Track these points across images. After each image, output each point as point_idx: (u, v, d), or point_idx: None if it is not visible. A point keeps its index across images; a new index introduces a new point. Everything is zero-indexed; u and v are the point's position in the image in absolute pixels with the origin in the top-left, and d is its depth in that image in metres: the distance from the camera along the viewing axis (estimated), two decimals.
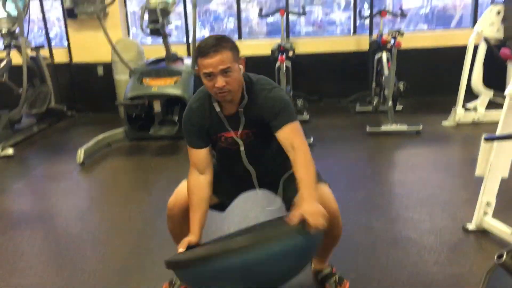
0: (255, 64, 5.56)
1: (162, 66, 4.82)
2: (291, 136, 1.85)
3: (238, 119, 1.90)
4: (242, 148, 1.97)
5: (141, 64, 5.15)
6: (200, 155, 1.97)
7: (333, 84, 5.68)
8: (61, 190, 3.64)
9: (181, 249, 1.83)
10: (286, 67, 4.65)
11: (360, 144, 4.32)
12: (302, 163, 1.82)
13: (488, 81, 4.56)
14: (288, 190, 2.02)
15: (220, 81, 1.74)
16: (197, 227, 1.91)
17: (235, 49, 1.78)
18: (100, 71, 5.72)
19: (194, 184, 1.97)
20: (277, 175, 2.09)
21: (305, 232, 1.61)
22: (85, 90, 5.84)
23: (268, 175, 2.08)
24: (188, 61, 4.93)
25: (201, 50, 1.74)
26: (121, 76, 5.27)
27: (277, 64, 4.71)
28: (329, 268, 2.22)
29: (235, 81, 1.78)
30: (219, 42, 1.74)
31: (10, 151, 4.41)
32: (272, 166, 2.07)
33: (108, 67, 5.51)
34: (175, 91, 4.51)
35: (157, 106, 4.56)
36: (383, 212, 2.99)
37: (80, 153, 4.09)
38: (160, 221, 2.99)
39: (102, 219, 3.14)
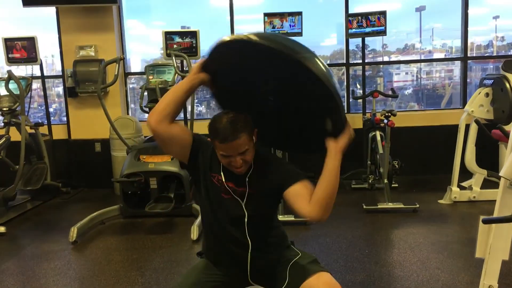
0: None
1: None
2: (302, 192, 1.83)
3: (243, 183, 1.91)
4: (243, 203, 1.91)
5: (138, 140, 5.22)
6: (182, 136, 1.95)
7: None
8: (51, 270, 3.53)
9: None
10: None
11: (357, 222, 4.28)
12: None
13: (481, 160, 4.62)
14: (294, 277, 1.91)
15: (238, 161, 1.82)
16: None
17: (250, 128, 1.82)
18: (98, 147, 5.78)
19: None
20: (271, 259, 2.01)
21: None
22: (82, 166, 5.86)
23: (262, 256, 1.97)
24: None
25: (219, 135, 1.78)
26: (119, 153, 5.31)
27: None
28: None
29: (250, 157, 1.86)
30: (236, 127, 1.77)
31: (1, 229, 4.33)
32: (269, 241, 2.01)
33: (105, 143, 5.57)
34: (172, 168, 4.53)
35: (153, 183, 4.55)
36: None
37: (73, 232, 4.02)
38: None
39: None
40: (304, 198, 1.80)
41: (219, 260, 2.03)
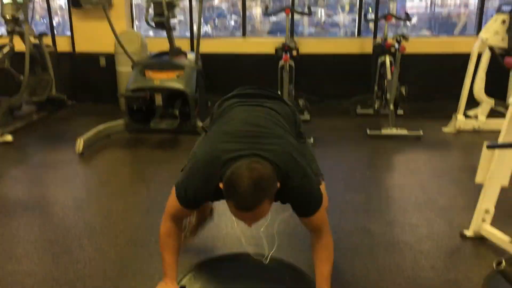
0: (258, 61, 5.59)
1: (165, 60, 4.81)
2: (316, 224, 1.85)
3: None
4: None
5: (144, 56, 5.14)
6: (185, 213, 1.93)
7: (335, 86, 5.68)
8: (59, 178, 3.62)
9: None
10: (290, 66, 4.64)
11: (360, 146, 4.32)
12: (328, 257, 1.88)
13: (489, 89, 4.56)
14: None
15: (251, 223, 1.69)
16: (175, 272, 1.94)
17: (272, 193, 1.62)
18: (103, 62, 5.70)
19: (171, 231, 1.93)
20: None
21: None
22: (86, 80, 5.82)
23: None
24: (191, 56, 4.92)
25: (237, 200, 1.56)
26: (123, 68, 5.25)
27: (281, 63, 4.71)
28: None
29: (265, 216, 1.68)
30: (260, 194, 1.56)
31: (9, 137, 4.39)
32: None
33: (110, 58, 5.50)
34: (178, 85, 4.49)
35: (158, 99, 4.54)
36: (381, 215, 2.99)
37: (80, 143, 4.07)
38: (157, 215, 2.97)
39: (99, 209, 3.13)
40: (315, 231, 1.88)
41: None
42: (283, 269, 2.06)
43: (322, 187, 1.97)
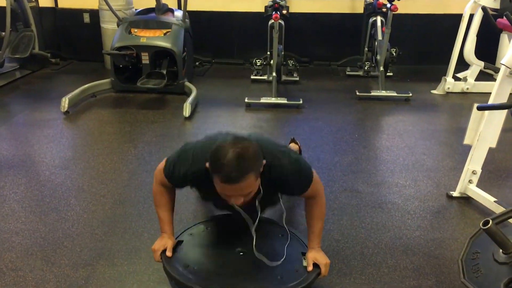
0: (247, 20, 5.47)
1: (152, 17, 4.68)
2: (311, 194, 1.88)
3: (253, 209, 1.83)
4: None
5: (129, 13, 4.99)
6: (168, 185, 1.91)
7: (325, 46, 5.60)
8: (44, 137, 3.56)
9: (169, 253, 1.87)
10: (280, 25, 4.55)
11: (349, 108, 4.30)
12: (319, 214, 1.90)
13: (480, 52, 4.54)
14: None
15: (239, 200, 1.63)
16: (171, 227, 1.95)
17: (258, 167, 1.59)
18: (87, 18, 5.53)
19: (163, 190, 1.93)
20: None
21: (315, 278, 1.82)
22: (70, 38, 5.66)
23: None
24: (178, 13, 4.79)
25: (221, 173, 1.53)
26: (108, 25, 5.10)
27: (271, 22, 4.61)
28: None
29: (252, 195, 1.67)
30: (244, 165, 1.53)
31: None
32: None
33: (94, 15, 5.33)
34: (165, 43, 4.39)
35: (145, 58, 4.44)
36: (369, 176, 3.01)
37: (65, 102, 3.99)
38: (145, 174, 2.98)
39: (86, 168, 3.10)
40: (310, 198, 1.91)
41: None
42: (277, 229, 2.09)
43: (316, 176, 1.91)
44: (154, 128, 3.76)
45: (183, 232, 2.04)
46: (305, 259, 1.88)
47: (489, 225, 1.67)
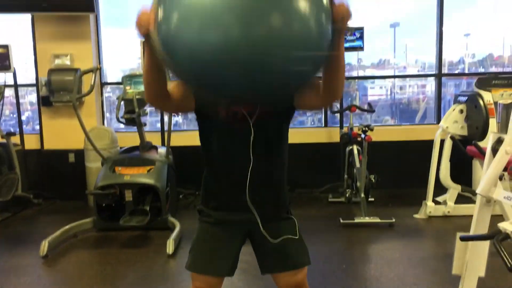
0: None
1: (136, 155, 4.80)
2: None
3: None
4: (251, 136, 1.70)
5: (114, 151, 5.13)
6: (182, 93, 1.68)
7: (306, 175, 5.73)
8: (21, 285, 3.40)
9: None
10: None
11: (334, 236, 4.28)
12: None
13: (455, 175, 4.69)
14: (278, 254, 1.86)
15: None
16: None
17: None
18: (72, 158, 5.64)
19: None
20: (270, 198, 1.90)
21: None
22: (55, 177, 5.70)
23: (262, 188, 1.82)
24: (162, 150, 4.93)
25: None
26: (93, 164, 5.20)
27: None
28: None
29: None
30: None
31: None
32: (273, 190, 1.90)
33: (80, 154, 5.45)
34: (148, 180, 4.45)
35: (128, 195, 4.46)
36: None
37: (44, 245, 3.90)
38: None
39: None
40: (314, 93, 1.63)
41: (219, 201, 1.90)
42: None
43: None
44: (137, 269, 3.64)
45: None
46: None
47: None
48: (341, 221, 4.50)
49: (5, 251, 4.15)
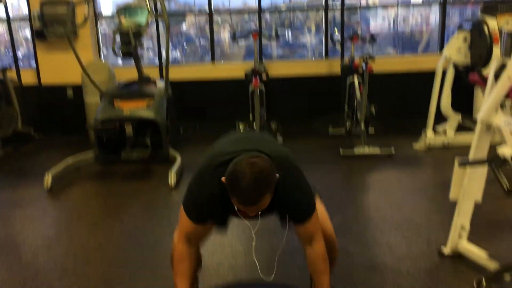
0: (228, 87, 5.59)
1: (134, 89, 4.75)
2: (310, 231, 1.84)
3: (255, 216, 1.81)
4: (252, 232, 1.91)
5: (112, 86, 5.07)
6: (198, 229, 1.86)
7: (306, 107, 5.71)
8: (27, 216, 3.49)
9: None
10: (260, 90, 4.65)
11: (334, 167, 4.33)
12: (320, 261, 1.87)
13: (456, 104, 4.66)
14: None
15: (253, 213, 1.69)
16: None
17: (272, 185, 1.65)
18: (70, 93, 5.60)
19: (185, 254, 1.87)
20: None
21: None
22: (53, 113, 5.69)
23: None
24: (161, 84, 4.88)
25: (240, 197, 1.60)
26: (92, 99, 5.16)
27: (251, 87, 4.71)
28: None
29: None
30: (262, 189, 1.60)
31: None
32: None
33: (78, 89, 5.40)
34: (148, 114, 4.44)
35: (128, 129, 4.47)
36: (359, 237, 2.98)
37: (48, 178, 3.95)
38: (132, 249, 2.91)
39: (70, 247, 3.02)
40: (308, 241, 1.86)
41: None
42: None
43: (318, 201, 1.96)
44: (140, 200, 3.71)
45: None
46: None
47: (483, 284, 1.65)
48: (341, 152, 4.53)
49: (9, 184, 4.21)
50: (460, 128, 4.72)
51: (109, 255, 2.86)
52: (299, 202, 1.81)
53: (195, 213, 1.81)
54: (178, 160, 4.28)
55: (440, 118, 4.73)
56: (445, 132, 4.70)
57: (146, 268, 2.67)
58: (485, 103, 2.46)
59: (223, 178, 1.65)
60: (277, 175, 1.67)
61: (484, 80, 3.20)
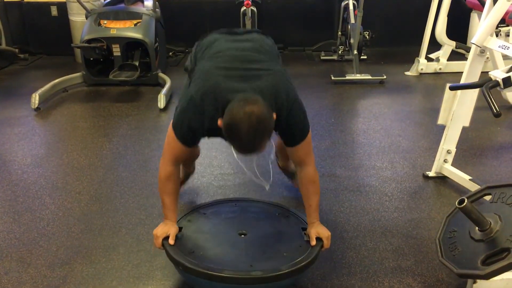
0: (219, 8, 5.40)
1: (121, 8, 4.57)
2: (301, 154, 1.90)
3: None
4: None
5: (98, 4, 4.87)
6: (186, 152, 1.92)
7: (299, 31, 5.58)
8: (15, 135, 3.47)
9: (172, 240, 1.85)
10: (252, 12, 4.51)
11: (324, 92, 4.30)
12: (313, 189, 1.95)
13: (451, 32, 4.58)
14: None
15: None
16: (175, 214, 1.94)
17: (271, 130, 1.67)
18: (54, 11, 5.38)
19: (171, 174, 1.91)
20: None
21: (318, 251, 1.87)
22: (38, 32, 5.49)
23: None
24: (149, 3, 4.69)
25: (239, 147, 1.68)
26: (77, 17, 4.97)
27: (243, 9, 4.56)
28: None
29: None
30: (261, 140, 1.63)
31: None
32: None
33: (62, 7, 5.18)
34: (136, 34, 4.31)
35: (116, 50, 4.35)
36: (346, 160, 3.02)
37: (35, 98, 3.89)
38: (121, 168, 2.93)
39: (60, 165, 3.03)
40: (299, 164, 1.95)
41: None
42: (273, 208, 2.19)
43: (310, 139, 1.97)
44: (129, 121, 3.70)
45: (180, 218, 2.03)
46: (305, 234, 1.94)
47: (464, 203, 1.69)
48: (332, 78, 4.49)
49: None
50: (453, 56, 4.67)
51: (99, 173, 2.89)
52: (292, 127, 1.84)
53: (188, 138, 1.84)
54: (168, 83, 4.22)
55: (434, 46, 4.65)
56: (438, 59, 4.65)
57: (137, 186, 2.71)
58: (481, 26, 2.40)
59: (219, 121, 1.66)
60: (274, 115, 1.69)
61: (482, 4, 3.11)
